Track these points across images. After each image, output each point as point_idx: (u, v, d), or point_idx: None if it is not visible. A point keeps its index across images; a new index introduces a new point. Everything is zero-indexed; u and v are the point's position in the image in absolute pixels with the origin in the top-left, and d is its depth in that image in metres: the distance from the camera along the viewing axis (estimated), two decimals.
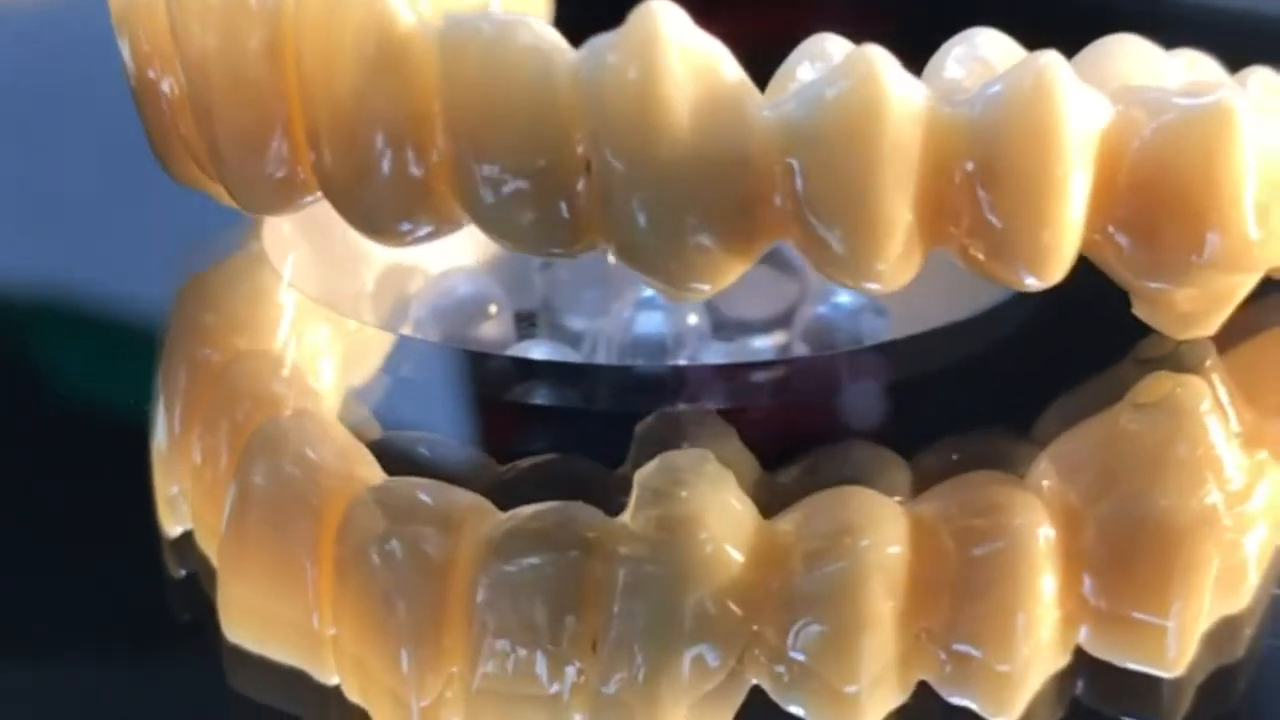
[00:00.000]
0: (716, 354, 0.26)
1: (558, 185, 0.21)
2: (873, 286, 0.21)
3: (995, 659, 0.19)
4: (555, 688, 0.19)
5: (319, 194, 0.22)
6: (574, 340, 0.27)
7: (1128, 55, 0.22)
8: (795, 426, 0.24)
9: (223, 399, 0.24)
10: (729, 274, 0.21)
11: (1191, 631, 0.20)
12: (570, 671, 0.19)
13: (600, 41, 0.20)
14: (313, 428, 0.23)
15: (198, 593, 0.21)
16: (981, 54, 0.21)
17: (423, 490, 0.21)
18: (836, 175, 0.20)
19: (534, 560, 0.20)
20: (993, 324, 0.24)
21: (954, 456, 0.22)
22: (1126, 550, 0.20)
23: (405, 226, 0.22)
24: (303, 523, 0.21)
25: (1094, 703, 0.20)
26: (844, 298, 0.26)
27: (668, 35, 0.20)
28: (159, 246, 0.29)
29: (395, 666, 0.20)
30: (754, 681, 0.19)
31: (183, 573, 0.22)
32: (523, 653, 0.19)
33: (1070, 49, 0.22)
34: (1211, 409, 0.23)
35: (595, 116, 0.20)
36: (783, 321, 0.27)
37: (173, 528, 0.23)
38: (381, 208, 0.21)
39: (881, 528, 0.20)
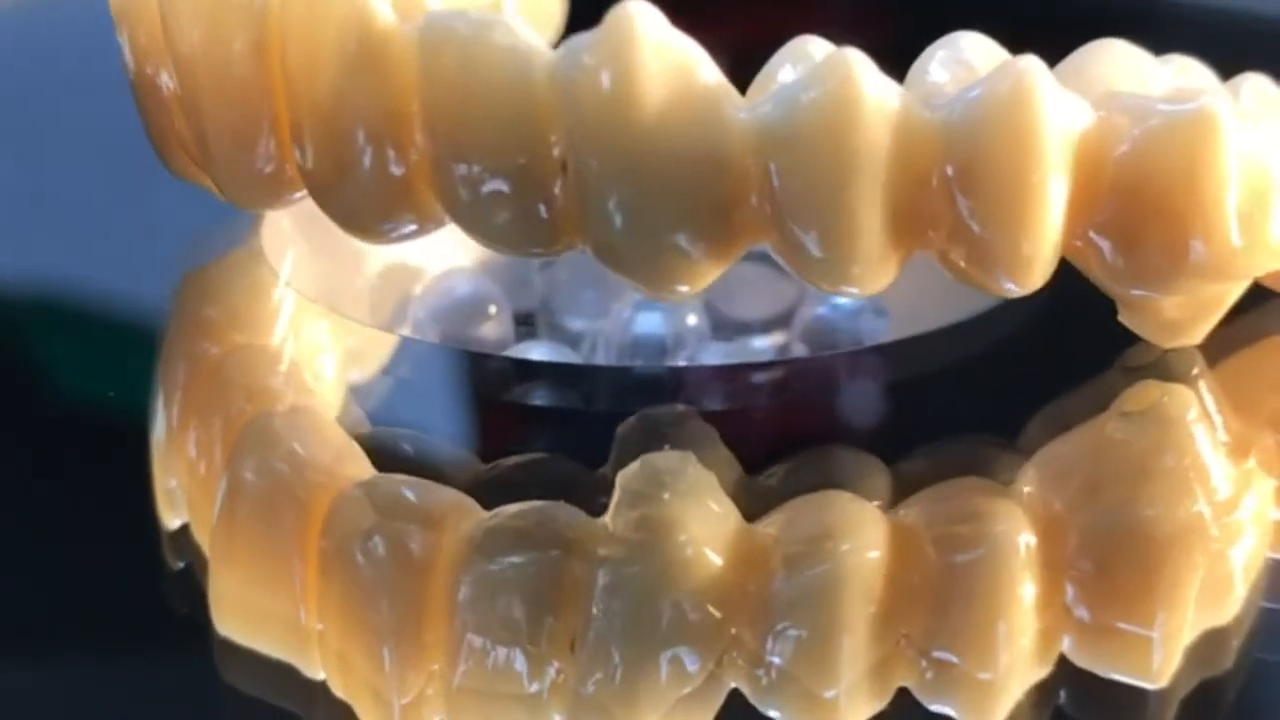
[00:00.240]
0: (715, 354, 0.26)
1: (535, 185, 0.21)
2: (850, 290, 0.21)
3: (976, 667, 0.19)
4: (534, 687, 0.19)
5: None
6: (573, 341, 0.27)
7: (1114, 60, 0.22)
8: (792, 427, 0.24)
9: (219, 394, 0.24)
10: (707, 275, 0.21)
11: (1176, 642, 0.20)
12: (549, 671, 0.19)
13: (577, 42, 0.20)
14: (305, 423, 0.23)
15: (194, 585, 0.21)
16: (965, 58, 0.21)
17: (407, 487, 0.21)
18: (811, 178, 0.20)
19: (514, 559, 0.20)
20: (992, 325, 0.24)
21: (940, 462, 0.22)
22: (1111, 559, 0.20)
23: (387, 224, 0.22)
24: (291, 517, 0.21)
25: (1077, 713, 0.20)
26: (843, 298, 0.26)
27: (643, 36, 0.20)
28: (160, 242, 0.29)
29: (377, 663, 0.20)
30: (732, 685, 0.19)
31: (180, 565, 0.22)
32: (502, 651, 0.19)
33: (1068, 52, 0.22)
34: (1198, 418, 0.22)
35: (571, 117, 0.20)
36: (782, 322, 0.26)
37: (171, 520, 0.23)
38: (363, 205, 0.21)
39: (862, 533, 0.20)
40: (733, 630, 0.19)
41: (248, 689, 0.20)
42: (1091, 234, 0.21)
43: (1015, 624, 0.19)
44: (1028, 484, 0.21)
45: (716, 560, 0.20)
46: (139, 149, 0.25)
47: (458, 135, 0.21)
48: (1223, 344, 0.23)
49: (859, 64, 0.20)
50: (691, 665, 0.19)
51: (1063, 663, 0.20)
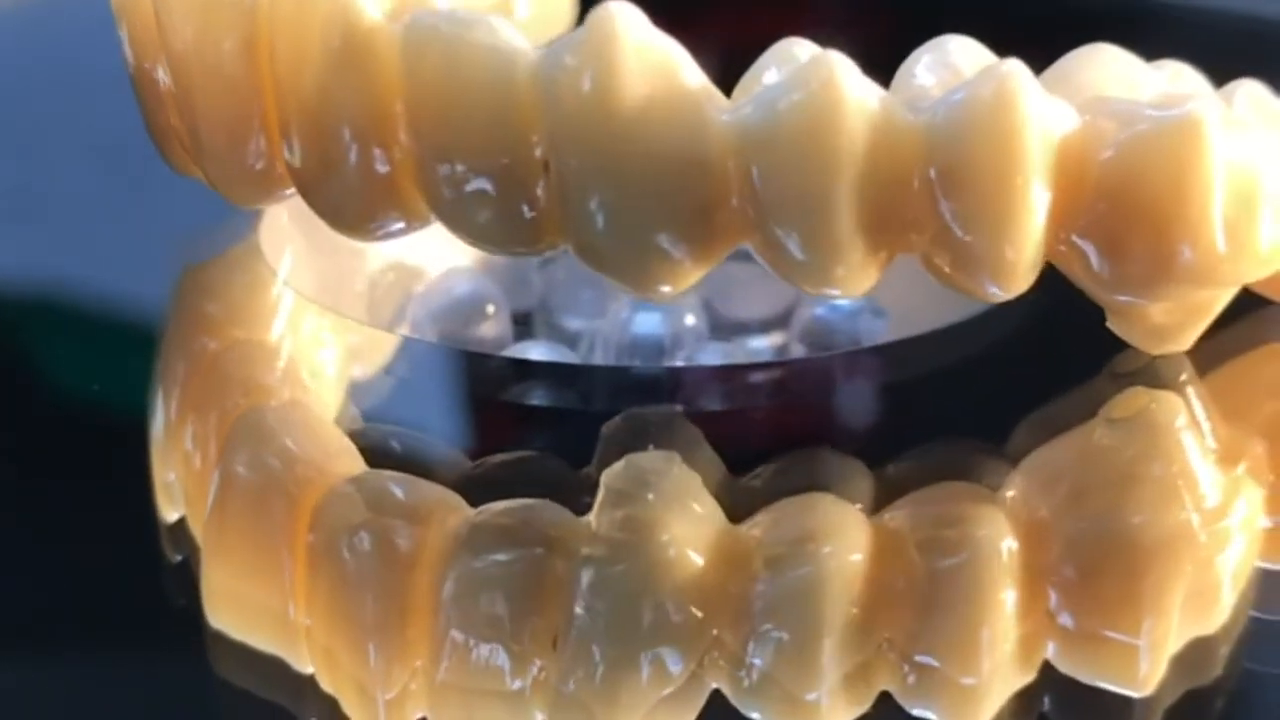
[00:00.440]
0: (714, 355, 0.26)
1: (518, 185, 0.21)
2: (832, 292, 0.21)
3: (958, 671, 0.19)
4: (517, 684, 0.19)
5: None
6: (571, 341, 0.27)
7: (1103, 65, 0.22)
8: (786, 428, 0.24)
9: (215, 388, 0.24)
10: (689, 275, 0.21)
11: (1161, 650, 0.20)
12: (531, 668, 0.19)
13: (559, 42, 0.20)
14: (298, 419, 0.23)
15: (191, 578, 0.22)
16: (951, 61, 0.21)
17: (395, 483, 0.21)
18: (792, 180, 0.20)
19: (498, 556, 0.20)
20: (990, 326, 0.24)
21: (929, 466, 0.22)
22: (1095, 566, 0.20)
23: (374, 222, 0.22)
24: (281, 512, 0.21)
25: None
26: (843, 299, 0.25)
27: (624, 36, 0.20)
28: (161, 239, 0.29)
29: (362, 658, 0.20)
30: (714, 686, 0.19)
31: (179, 558, 0.22)
32: (485, 648, 0.19)
33: (1064, 54, 0.22)
34: (1186, 425, 0.22)
35: (552, 117, 0.20)
36: (780, 322, 0.26)
37: (169, 513, 0.23)
38: (349, 203, 0.21)
39: (844, 536, 0.20)
40: (714, 631, 0.19)
41: (239, 682, 0.20)
42: (1076, 239, 0.21)
43: (997, 629, 0.19)
44: (1013, 489, 0.21)
45: (698, 560, 0.20)
46: (140, 147, 0.25)
47: (440, 134, 0.21)
48: (1217, 351, 0.23)
49: (841, 66, 0.20)
50: (673, 665, 0.19)
51: (1047, 670, 0.20)
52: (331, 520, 0.21)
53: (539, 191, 0.21)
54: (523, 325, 0.27)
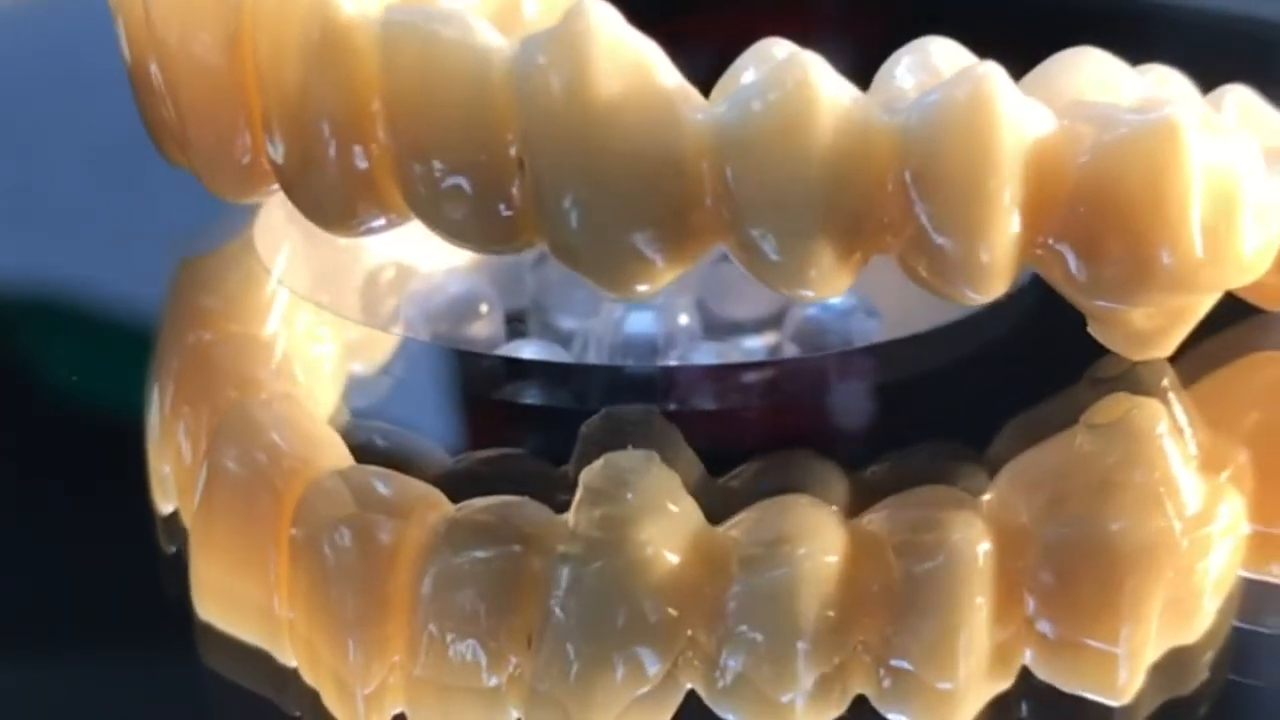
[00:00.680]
0: (707, 354, 0.25)
1: (493, 183, 0.21)
2: (806, 294, 0.21)
3: (934, 676, 0.19)
4: (493, 681, 0.19)
5: None
6: (565, 340, 0.27)
7: (1085, 69, 0.22)
8: (772, 428, 0.24)
9: (208, 382, 0.24)
10: (665, 275, 0.21)
11: (1141, 658, 0.20)
12: (507, 665, 0.19)
13: (533, 40, 0.20)
14: (286, 413, 0.23)
15: (183, 570, 0.22)
16: (932, 63, 0.21)
17: (377, 478, 0.21)
18: (765, 181, 0.20)
19: (475, 553, 0.20)
20: (984, 326, 0.24)
21: (911, 469, 0.22)
22: (1075, 573, 0.20)
23: (355, 218, 0.22)
24: (267, 505, 0.21)
25: None
26: (835, 298, 0.25)
27: (597, 34, 0.20)
28: (158, 236, 0.29)
29: (342, 652, 0.20)
30: (689, 686, 0.19)
31: (173, 549, 0.22)
32: (460, 645, 0.19)
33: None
34: (1167, 431, 0.22)
35: (525, 115, 0.20)
36: (774, 322, 0.26)
37: (165, 505, 0.23)
38: (330, 198, 0.21)
39: (821, 538, 0.20)
40: (689, 631, 0.19)
41: (227, 674, 0.21)
42: (1053, 242, 0.21)
43: (973, 634, 0.19)
44: (993, 494, 0.21)
45: (674, 560, 0.20)
46: (138, 147, 0.25)
47: (416, 130, 0.21)
48: (1205, 359, 0.23)
49: (815, 67, 0.20)
50: (647, 665, 0.19)
51: (1026, 676, 0.20)
52: (314, 515, 0.21)
53: (515, 190, 0.21)
54: (516, 324, 0.27)
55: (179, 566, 0.22)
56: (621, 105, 0.20)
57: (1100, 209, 0.20)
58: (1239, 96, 0.22)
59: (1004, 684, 0.20)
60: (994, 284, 0.21)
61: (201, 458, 0.22)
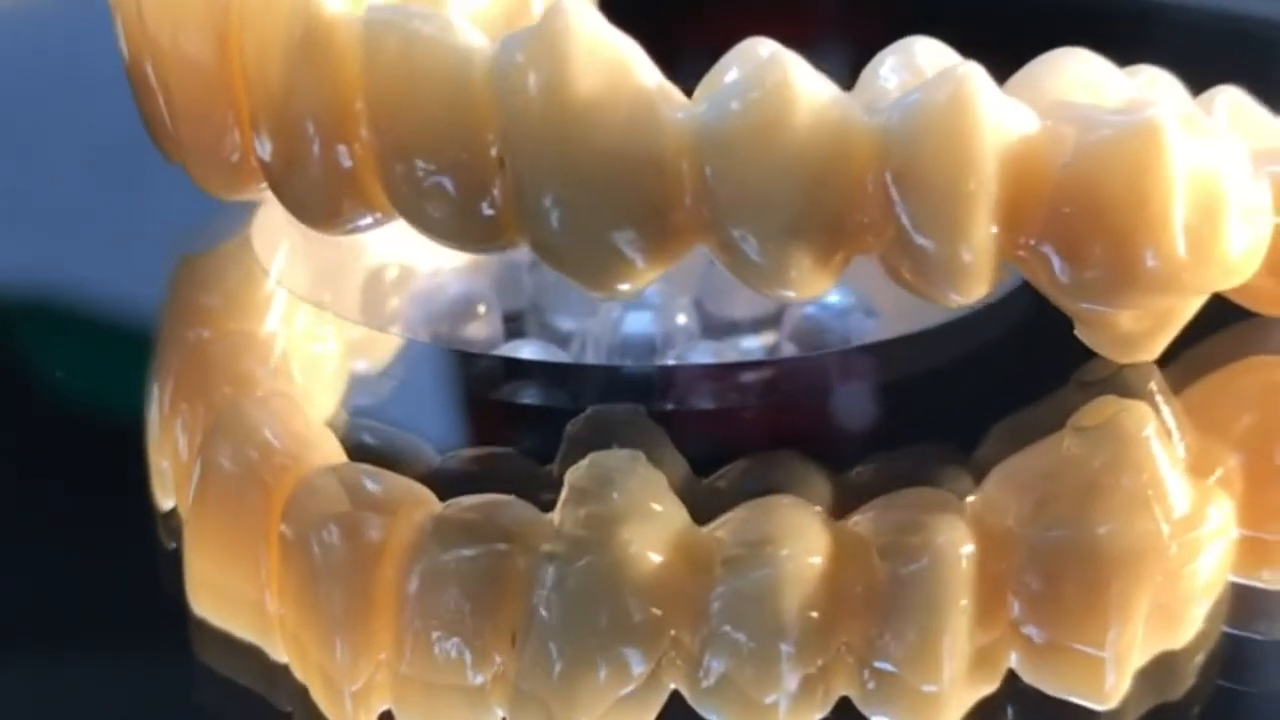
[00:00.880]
0: (705, 354, 0.25)
1: (475, 182, 0.21)
2: (787, 294, 0.20)
3: (918, 679, 0.19)
4: (477, 679, 0.19)
5: None
6: (563, 340, 0.27)
7: (1071, 70, 0.21)
8: (772, 427, 0.24)
9: (205, 379, 0.24)
10: (646, 275, 0.21)
11: (1127, 663, 0.19)
12: (491, 664, 0.19)
13: (512, 39, 0.20)
14: (280, 411, 0.23)
15: (180, 565, 0.22)
16: (916, 63, 0.21)
17: (366, 476, 0.22)
18: (744, 180, 0.20)
19: (461, 551, 0.20)
20: (981, 326, 0.24)
21: (900, 471, 0.22)
22: (1062, 576, 0.20)
23: (340, 216, 0.22)
24: (258, 502, 0.21)
25: None
26: (834, 297, 0.25)
27: (576, 33, 0.20)
28: (157, 236, 0.29)
29: (329, 649, 0.20)
30: (673, 686, 0.19)
31: (172, 545, 0.22)
32: (445, 642, 0.19)
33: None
34: (1154, 434, 0.22)
35: (505, 114, 0.20)
36: (772, 321, 0.26)
37: (164, 501, 0.23)
38: (315, 197, 0.22)
39: (804, 539, 0.20)
40: (673, 631, 0.19)
41: (220, 669, 0.21)
42: (1035, 244, 0.21)
43: (957, 637, 0.19)
44: (979, 496, 0.21)
45: (658, 560, 0.20)
46: (136, 147, 0.26)
47: (398, 130, 0.21)
48: (1197, 362, 0.23)
49: (795, 67, 0.20)
50: (631, 665, 0.19)
51: (1011, 680, 0.20)
52: (303, 511, 0.21)
53: (496, 189, 0.21)
54: (514, 324, 0.27)
55: (177, 562, 0.22)
56: (601, 104, 0.20)
57: (1083, 210, 0.20)
58: (1230, 98, 0.22)
59: (989, 687, 0.19)
60: (976, 285, 0.20)
61: (196, 454, 0.23)
